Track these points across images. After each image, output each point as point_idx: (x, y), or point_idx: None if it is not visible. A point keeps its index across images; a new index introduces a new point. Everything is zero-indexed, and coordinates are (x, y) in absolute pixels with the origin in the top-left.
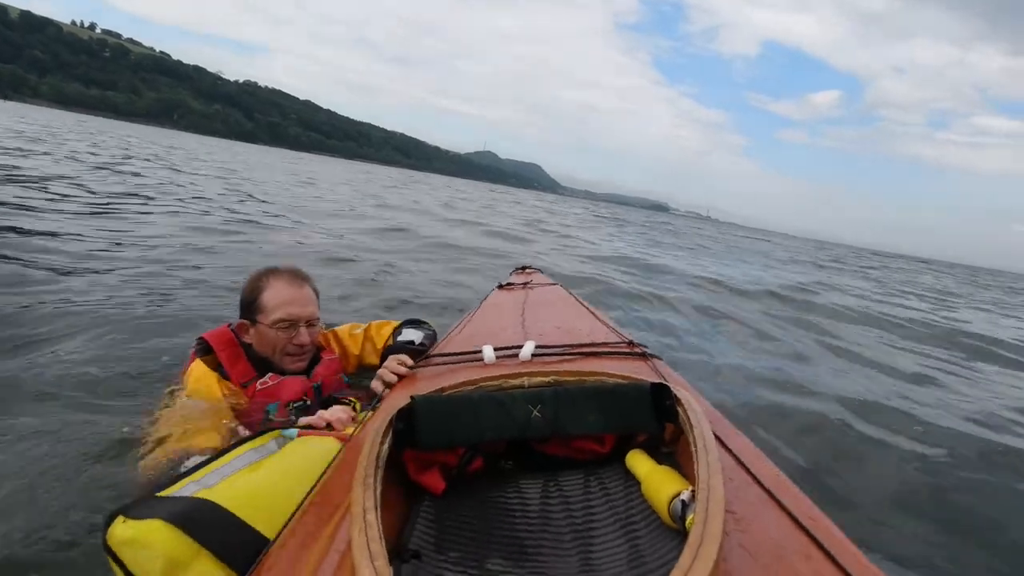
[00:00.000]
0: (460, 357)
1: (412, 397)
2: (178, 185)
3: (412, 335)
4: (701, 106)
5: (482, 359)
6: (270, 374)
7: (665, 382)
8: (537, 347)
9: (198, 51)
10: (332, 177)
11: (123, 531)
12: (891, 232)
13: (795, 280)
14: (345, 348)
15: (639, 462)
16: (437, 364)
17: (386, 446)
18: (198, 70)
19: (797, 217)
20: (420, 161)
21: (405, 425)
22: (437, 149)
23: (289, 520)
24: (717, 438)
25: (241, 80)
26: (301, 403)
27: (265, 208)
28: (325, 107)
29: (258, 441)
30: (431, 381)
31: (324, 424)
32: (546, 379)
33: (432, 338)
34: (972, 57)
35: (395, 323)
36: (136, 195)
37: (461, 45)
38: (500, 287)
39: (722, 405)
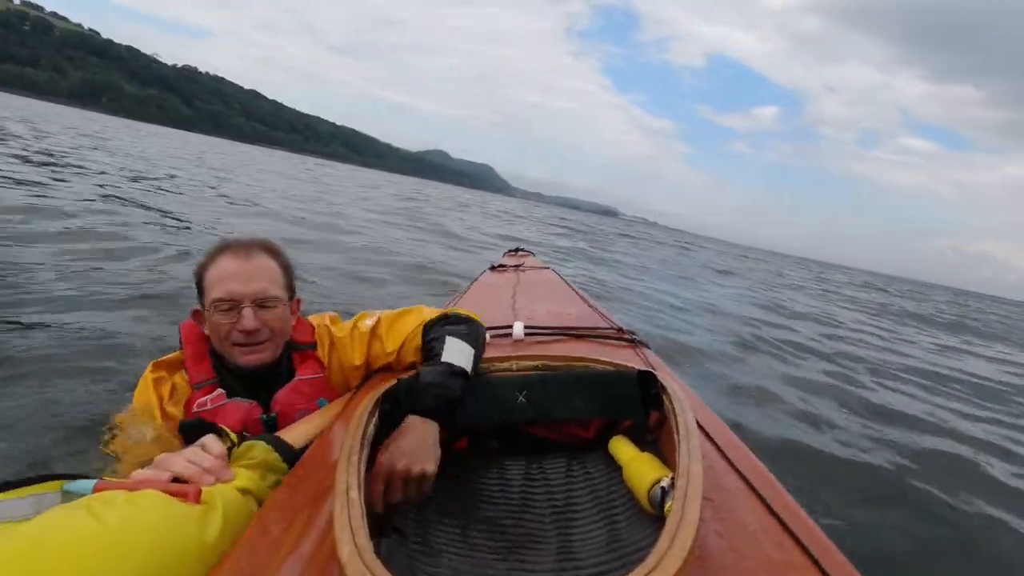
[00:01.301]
0: None
1: (398, 379)
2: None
3: (458, 357)
4: (650, 114)
5: None
6: (218, 391)
7: (652, 370)
8: (528, 328)
9: (132, 30)
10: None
11: None
12: (826, 242)
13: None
14: (340, 355)
15: (622, 448)
16: None
17: (372, 426)
18: (131, 51)
19: (741, 225)
20: (371, 159)
21: (391, 406)
22: (388, 147)
23: (273, 498)
24: (700, 427)
25: (179, 64)
26: (231, 446)
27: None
28: (271, 97)
29: (21, 491)
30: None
31: (168, 477)
32: (534, 363)
33: (482, 345)
34: (897, 82)
35: (427, 313)
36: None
37: (414, 39)
38: (492, 268)
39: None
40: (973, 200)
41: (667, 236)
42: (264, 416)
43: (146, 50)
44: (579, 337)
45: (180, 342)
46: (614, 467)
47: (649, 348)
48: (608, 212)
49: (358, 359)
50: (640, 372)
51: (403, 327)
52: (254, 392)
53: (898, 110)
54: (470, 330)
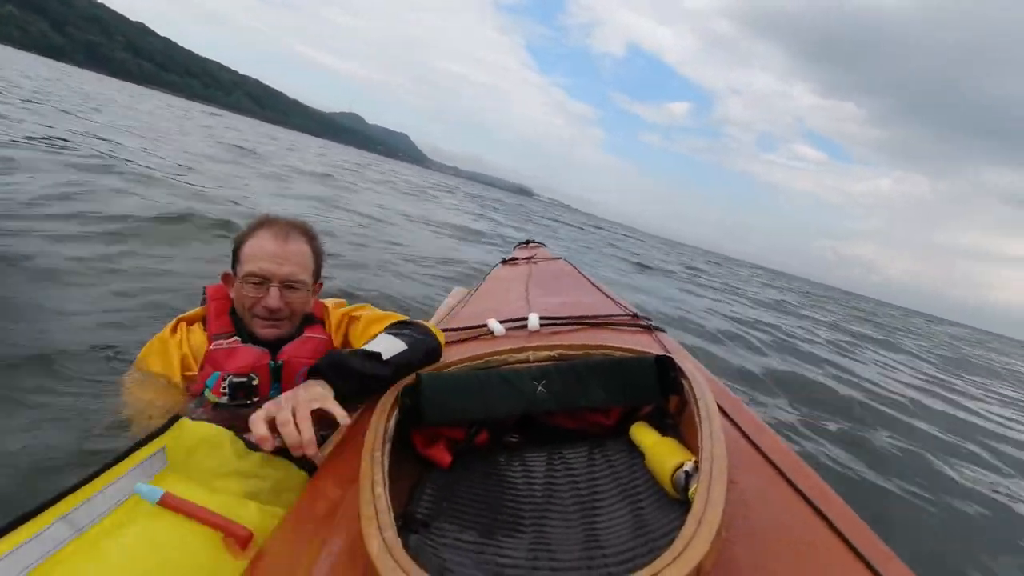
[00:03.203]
0: (467, 332)
1: (418, 374)
2: None
3: (383, 344)
4: (571, 97)
5: (489, 332)
6: (235, 337)
7: (669, 354)
8: (543, 319)
9: None
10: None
11: None
12: (725, 236)
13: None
14: (334, 330)
15: (643, 434)
16: (445, 339)
17: (392, 421)
18: None
19: (649, 213)
20: (276, 114)
21: (411, 401)
22: (297, 103)
23: (301, 497)
24: (721, 410)
25: None
26: (244, 380)
27: None
28: (162, 34)
29: (82, 495)
30: None
31: (269, 437)
32: (551, 353)
33: (423, 349)
34: (793, 91)
35: (393, 317)
36: None
37: None
38: (504, 262)
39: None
40: (851, 207)
41: (584, 221)
42: (272, 363)
43: None
44: (595, 325)
45: (204, 299)
46: (636, 453)
47: (665, 332)
48: (523, 192)
49: (337, 341)
50: (658, 357)
51: (379, 325)
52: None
53: (793, 118)
54: (410, 332)
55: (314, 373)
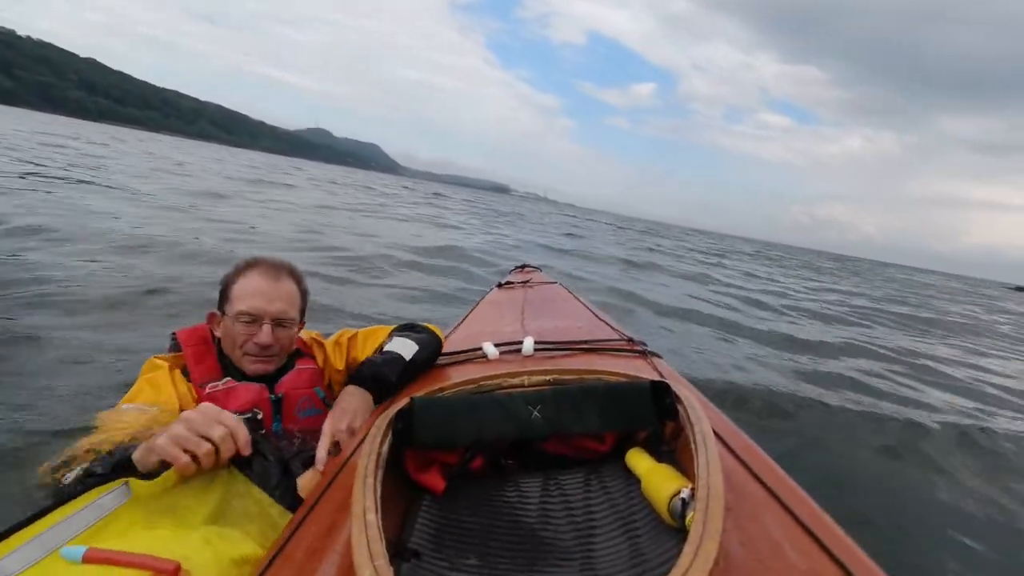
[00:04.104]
0: (461, 355)
1: (411, 398)
2: None
3: (401, 347)
4: (536, 90)
5: (484, 356)
6: (227, 378)
7: (664, 380)
8: (538, 343)
9: None
10: None
11: None
12: (701, 211)
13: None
14: (328, 359)
15: (639, 460)
16: (438, 362)
17: (385, 446)
18: None
19: (624, 197)
20: (243, 137)
21: (404, 425)
22: (262, 124)
23: (295, 524)
24: (717, 436)
25: None
26: (250, 415)
27: None
28: (115, 68)
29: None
30: (431, 380)
31: (185, 451)
32: (546, 378)
33: (431, 347)
34: (756, 61)
35: (383, 329)
36: None
37: (283, 7)
38: (499, 286)
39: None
40: (820, 169)
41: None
42: (272, 396)
43: None
44: (590, 350)
45: (174, 345)
46: (632, 480)
47: (661, 358)
48: (500, 189)
49: (340, 364)
50: (653, 382)
51: (375, 339)
52: None
53: (757, 88)
54: (417, 332)
55: (356, 382)
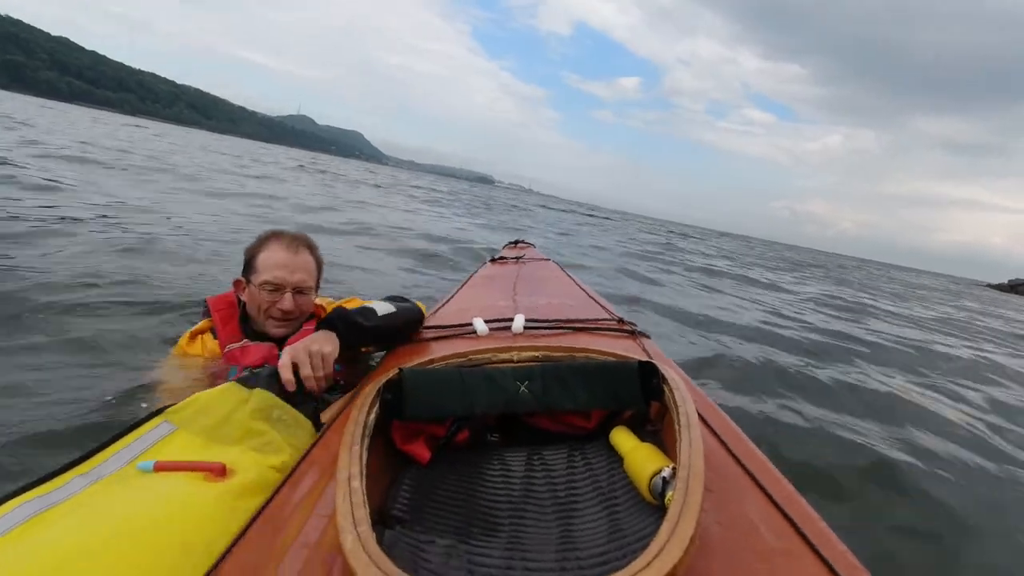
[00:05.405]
0: (451, 329)
1: (400, 368)
2: None
3: (377, 305)
4: (521, 81)
5: (474, 331)
6: (244, 340)
7: (652, 360)
8: (528, 321)
9: None
10: None
11: None
12: (685, 206)
13: None
14: None
15: (623, 438)
16: (428, 336)
17: (373, 415)
18: None
19: (609, 190)
20: (223, 123)
21: (393, 396)
22: (243, 109)
23: (278, 487)
24: (701, 418)
25: None
26: (260, 369)
27: None
28: (89, 48)
29: (82, 467)
30: (421, 352)
31: (289, 374)
32: (535, 354)
33: (409, 315)
34: (739, 57)
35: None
36: None
37: None
38: (492, 260)
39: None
40: (801, 166)
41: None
42: (280, 354)
43: None
44: (580, 329)
45: (206, 311)
46: (615, 457)
47: (649, 338)
48: (484, 179)
49: None
50: (641, 363)
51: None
52: None
53: (741, 84)
54: (397, 301)
55: (325, 325)
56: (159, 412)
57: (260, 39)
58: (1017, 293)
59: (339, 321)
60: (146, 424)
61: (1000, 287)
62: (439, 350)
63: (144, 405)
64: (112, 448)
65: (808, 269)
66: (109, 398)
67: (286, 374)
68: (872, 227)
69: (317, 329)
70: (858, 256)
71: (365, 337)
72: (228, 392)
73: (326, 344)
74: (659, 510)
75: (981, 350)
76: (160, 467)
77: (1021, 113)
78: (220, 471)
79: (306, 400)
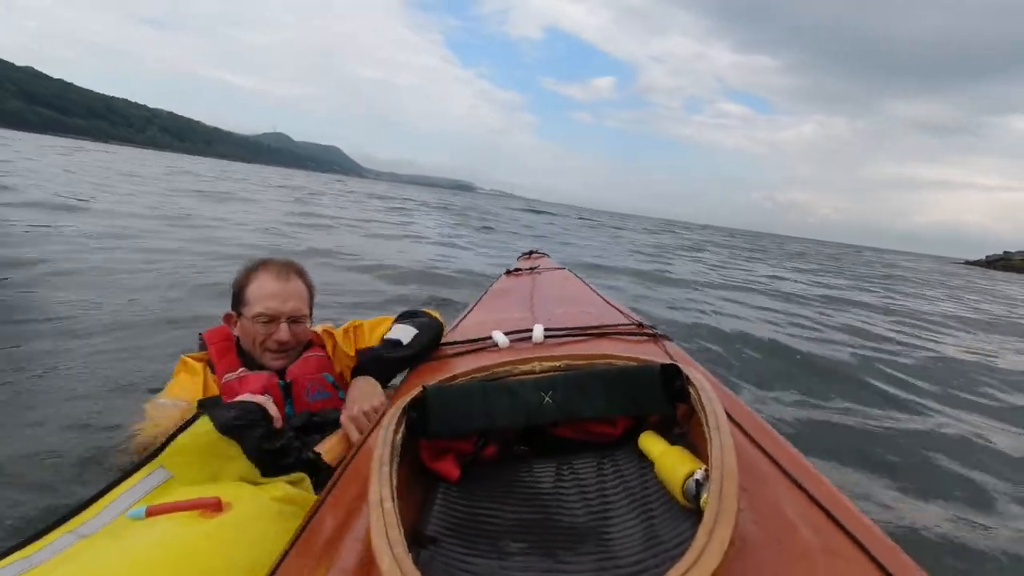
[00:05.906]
0: (472, 344)
1: (424, 387)
2: None
3: (400, 333)
4: (497, 87)
5: (494, 344)
6: (241, 369)
7: (675, 362)
8: (547, 330)
9: None
10: None
11: None
12: (667, 201)
13: None
14: (339, 346)
15: (651, 443)
16: (449, 351)
17: (399, 435)
18: None
19: (592, 191)
20: (198, 144)
21: (418, 414)
22: (217, 130)
23: (311, 514)
24: (729, 417)
25: None
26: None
27: None
28: (56, 76)
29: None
30: (443, 369)
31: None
32: (556, 363)
33: (431, 330)
34: (712, 52)
35: (387, 319)
36: None
37: (235, 9)
38: (507, 273)
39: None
40: (779, 156)
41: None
42: (281, 382)
43: None
44: (600, 335)
45: (202, 345)
46: (645, 463)
47: (671, 340)
48: (465, 187)
49: (351, 351)
50: (663, 366)
51: (381, 327)
52: None
53: (714, 78)
54: (417, 318)
55: (361, 371)
56: (151, 458)
57: (233, 60)
58: (994, 268)
59: (373, 364)
60: (138, 473)
61: (978, 263)
62: (461, 365)
63: (131, 455)
64: (102, 501)
65: (802, 259)
66: (87, 455)
67: (354, 434)
68: (852, 212)
69: (353, 375)
70: (843, 242)
71: (400, 368)
72: (204, 425)
73: (374, 398)
74: (694, 513)
75: None
76: (152, 512)
77: (985, 90)
78: (216, 506)
79: (289, 445)
